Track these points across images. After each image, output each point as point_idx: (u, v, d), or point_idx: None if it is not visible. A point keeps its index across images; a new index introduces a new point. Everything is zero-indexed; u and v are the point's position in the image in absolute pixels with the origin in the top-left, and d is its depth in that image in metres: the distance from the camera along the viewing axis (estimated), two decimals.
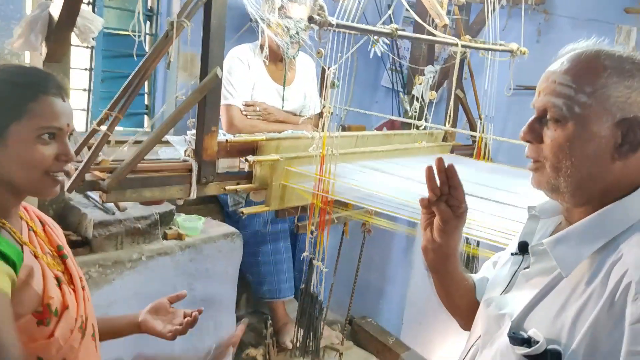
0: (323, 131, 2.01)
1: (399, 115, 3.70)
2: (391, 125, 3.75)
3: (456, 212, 1.10)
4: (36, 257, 1.12)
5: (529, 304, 1.02)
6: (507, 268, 1.18)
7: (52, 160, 1.08)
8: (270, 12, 2.27)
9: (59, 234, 1.28)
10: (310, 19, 1.66)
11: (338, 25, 1.70)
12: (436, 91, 3.19)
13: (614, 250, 0.94)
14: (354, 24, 1.76)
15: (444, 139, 3.03)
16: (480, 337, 1.13)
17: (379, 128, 3.74)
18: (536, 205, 1.15)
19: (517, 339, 0.96)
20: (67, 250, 1.24)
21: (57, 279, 1.13)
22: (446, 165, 1.07)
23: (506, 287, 1.15)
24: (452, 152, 3.04)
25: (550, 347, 0.93)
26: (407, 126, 2.99)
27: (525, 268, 1.11)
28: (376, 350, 3.17)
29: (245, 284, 2.96)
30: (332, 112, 2.04)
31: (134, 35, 1.70)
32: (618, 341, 0.86)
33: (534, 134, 1.00)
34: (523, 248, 1.13)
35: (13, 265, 1.03)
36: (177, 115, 1.84)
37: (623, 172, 0.96)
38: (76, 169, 1.66)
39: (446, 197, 1.09)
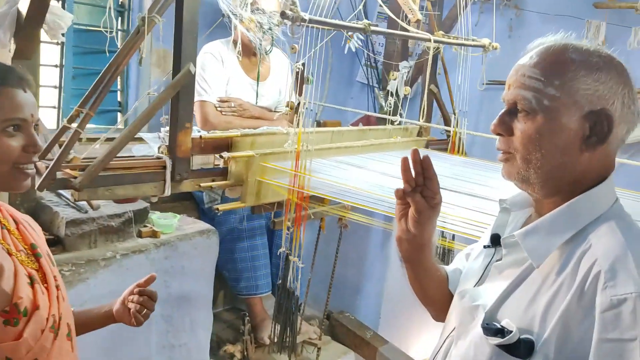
0: (298, 127, 2.01)
1: (375, 111, 3.72)
2: (367, 120, 3.76)
3: (430, 202, 1.10)
4: (10, 254, 1.10)
5: (502, 295, 1.03)
6: (480, 260, 1.19)
7: (20, 152, 1.07)
8: (242, 7, 2.26)
9: (34, 232, 1.25)
10: (283, 14, 1.66)
11: (311, 21, 1.70)
12: (411, 86, 3.21)
13: (583, 240, 0.96)
14: (327, 20, 1.76)
15: (419, 134, 3.06)
16: (454, 328, 1.15)
17: (355, 124, 3.75)
18: (507, 198, 1.16)
19: (491, 329, 0.97)
20: (41, 249, 1.22)
21: (30, 277, 1.12)
22: (421, 157, 1.08)
23: (479, 279, 1.17)
24: (427, 146, 3.06)
25: (523, 336, 0.95)
26: (383, 122, 3.01)
27: (497, 260, 1.13)
28: (354, 345, 3.18)
29: (223, 280, 2.95)
30: (306, 108, 2.04)
31: (105, 32, 1.67)
32: (589, 329, 0.88)
33: (504, 126, 1.02)
34: (495, 240, 1.14)
35: None
36: (150, 112, 1.82)
37: (590, 164, 0.98)
38: (47, 167, 1.64)
39: (421, 189, 1.10)
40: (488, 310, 1.03)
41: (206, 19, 2.62)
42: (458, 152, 2.92)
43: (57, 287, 1.20)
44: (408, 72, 3.19)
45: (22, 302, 1.06)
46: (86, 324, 1.37)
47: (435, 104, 3.18)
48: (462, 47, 2.63)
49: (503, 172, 1.06)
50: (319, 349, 2.87)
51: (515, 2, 3.41)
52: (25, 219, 1.27)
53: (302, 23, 1.66)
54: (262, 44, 2.55)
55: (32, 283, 1.11)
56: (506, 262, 1.09)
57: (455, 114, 2.98)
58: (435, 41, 2.35)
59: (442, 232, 2.43)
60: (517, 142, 1.00)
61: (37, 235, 1.27)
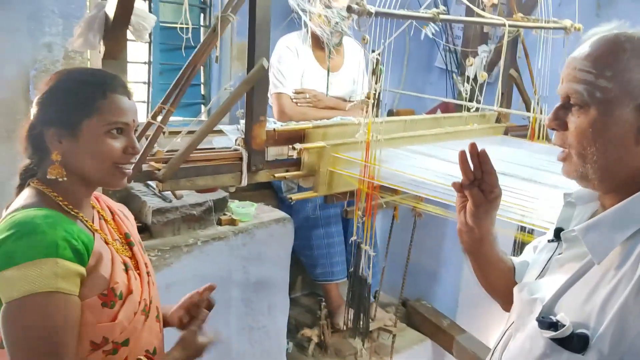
0: (368, 117, 2.04)
1: (454, 97, 3.65)
2: (445, 107, 3.71)
3: (488, 196, 1.12)
4: (107, 243, 1.21)
5: (560, 289, 1.03)
6: (544, 254, 1.19)
7: (120, 153, 1.17)
8: (311, 3, 2.30)
9: (128, 222, 1.37)
10: (349, 9, 1.69)
11: (377, 13, 1.72)
12: (490, 71, 3.13)
13: None
14: (393, 11, 1.77)
15: (497, 121, 2.98)
16: (514, 322, 1.15)
17: (433, 110, 3.70)
18: (572, 192, 1.15)
19: (545, 322, 0.97)
20: (134, 237, 1.33)
21: (125, 264, 1.22)
22: (479, 150, 1.09)
23: (540, 272, 1.16)
24: (506, 133, 2.99)
25: (578, 331, 0.94)
26: (461, 108, 2.96)
27: (559, 254, 1.12)
28: (430, 333, 3.19)
29: (301, 266, 3.04)
30: (377, 98, 2.06)
31: (181, 30, 1.78)
32: None
33: (559, 121, 1.01)
34: (558, 234, 1.13)
35: (83, 254, 1.11)
36: (226, 107, 1.92)
37: None
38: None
39: (479, 182, 1.11)
40: (545, 304, 1.03)
41: (278, 15, 2.70)
42: (539, 138, 2.82)
43: (148, 273, 1.31)
44: (487, 56, 3.12)
45: (118, 286, 1.16)
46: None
47: (515, 89, 3.09)
48: (542, 29, 2.53)
49: (563, 171, 1.05)
50: (394, 335, 2.90)
51: None
52: (120, 209, 1.39)
53: (368, 16, 1.68)
54: (331, 38, 2.59)
55: (126, 269, 1.21)
56: (567, 257, 1.09)
57: (536, 99, 2.88)
58: (510, 25, 2.28)
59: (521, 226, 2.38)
60: (571, 137, 0.99)
61: (131, 224, 1.38)
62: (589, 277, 0.99)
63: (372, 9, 1.71)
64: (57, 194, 1.17)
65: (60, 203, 1.17)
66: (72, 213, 1.17)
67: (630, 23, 1.00)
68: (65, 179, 1.16)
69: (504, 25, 2.22)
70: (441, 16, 1.86)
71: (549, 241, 1.19)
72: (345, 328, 2.32)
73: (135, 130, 1.23)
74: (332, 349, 2.89)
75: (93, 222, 1.23)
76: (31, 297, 1.04)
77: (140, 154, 1.23)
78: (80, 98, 1.16)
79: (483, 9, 2.28)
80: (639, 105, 0.92)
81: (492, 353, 1.22)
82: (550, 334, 0.96)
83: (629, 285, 0.90)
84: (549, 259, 1.15)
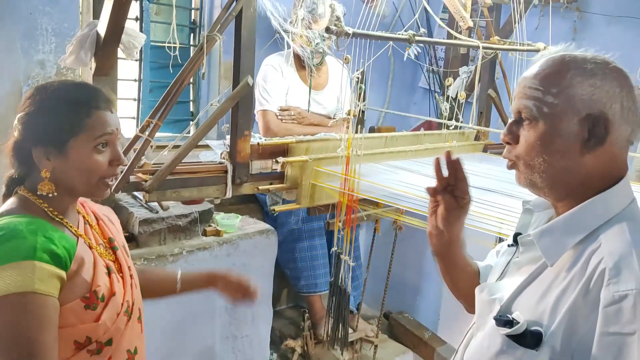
0: (349, 133, 2.13)
1: (436, 117, 3.76)
2: (428, 125, 3.82)
3: (460, 202, 1.19)
4: (90, 247, 1.26)
5: (517, 289, 1.10)
6: (504, 257, 1.26)
7: (107, 167, 1.23)
8: (293, 25, 2.41)
9: (113, 227, 1.41)
10: (327, 30, 1.79)
11: (355, 34, 1.82)
12: (471, 92, 3.25)
13: (594, 240, 1.01)
14: (370, 32, 1.87)
15: (476, 138, 3.09)
16: (475, 322, 1.23)
17: (416, 129, 3.81)
18: (531, 199, 1.23)
19: (501, 320, 1.04)
20: (118, 242, 1.37)
21: (108, 267, 1.27)
22: (453, 159, 1.17)
23: (500, 275, 1.24)
24: (485, 150, 3.09)
25: (532, 328, 1.02)
26: (442, 127, 3.06)
27: (517, 258, 1.20)
28: (413, 344, 3.25)
29: (285, 279, 3.11)
30: (356, 115, 2.15)
31: (168, 49, 1.87)
32: (594, 324, 0.93)
33: (512, 135, 1.08)
34: (517, 239, 1.21)
35: (64, 259, 1.15)
36: (212, 121, 2.00)
37: (595, 165, 1.02)
38: (121, 172, 1.85)
39: (452, 188, 1.20)
40: (503, 304, 1.10)
41: (263, 35, 2.80)
42: None
43: (131, 276, 1.35)
44: (468, 77, 3.23)
45: (100, 289, 1.20)
46: (184, 284, 1.58)
47: (494, 108, 3.20)
48: (518, 52, 2.65)
49: (515, 179, 1.12)
50: (375, 346, 2.96)
51: (577, 5, 3.36)
52: (105, 213, 1.43)
53: (346, 37, 1.78)
54: (312, 58, 2.70)
55: (109, 273, 1.26)
56: (523, 260, 1.16)
57: None
58: (484, 47, 2.40)
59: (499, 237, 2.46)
60: (520, 149, 1.06)
61: (115, 229, 1.43)
62: (543, 278, 1.07)
63: (350, 30, 1.81)
64: (42, 201, 1.21)
65: (46, 209, 1.21)
66: (57, 220, 1.22)
67: (605, 46, 1.10)
68: (55, 194, 1.20)
69: (478, 47, 2.33)
70: (416, 37, 1.96)
71: (508, 246, 1.27)
72: (325, 337, 2.37)
73: (118, 139, 1.27)
74: None
75: (78, 227, 1.27)
76: (6, 297, 1.07)
77: (125, 164, 1.29)
78: (66, 118, 1.19)
79: (460, 32, 2.40)
80: (582, 118, 1.00)
81: (456, 352, 1.29)
82: (506, 330, 1.03)
83: (577, 286, 0.97)
84: (508, 262, 1.22)
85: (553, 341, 0.99)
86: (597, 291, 0.94)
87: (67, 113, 1.19)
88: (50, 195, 1.20)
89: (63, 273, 1.15)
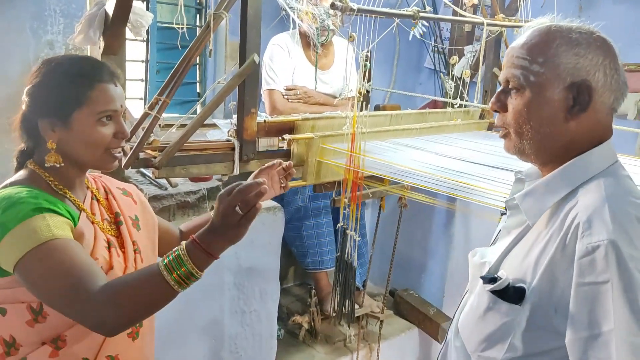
0: (354, 111, 2.15)
1: (442, 97, 3.77)
2: (433, 105, 3.83)
3: None
4: (93, 222, 1.28)
5: (504, 251, 1.16)
6: (499, 225, 1.32)
7: (111, 139, 1.26)
8: (299, 1, 2.43)
9: (126, 200, 1.43)
10: (332, 5, 1.81)
11: (360, 10, 1.84)
12: (477, 70, 3.26)
13: (573, 198, 1.06)
14: (375, 9, 1.88)
15: (481, 117, 3.11)
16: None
17: (422, 109, 3.83)
18: (523, 169, 1.28)
19: (487, 278, 1.11)
20: (124, 216, 1.38)
21: (108, 242, 1.29)
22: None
23: (493, 240, 1.30)
24: (490, 129, 3.11)
25: (516, 285, 1.07)
26: (450, 106, 3.07)
27: (505, 222, 1.25)
28: (418, 321, 3.30)
29: (292, 258, 3.16)
30: (363, 93, 2.18)
31: (179, 28, 1.89)
32: (572, 277, 0.98)
33: (500, 104, 1.13)
34: None
35: (69, 217, 1.19)
36: (219, 99, 2.03)
37: (578, 131, 1.07)
38: (131, 148, 1.89)
39: None
40: (492, 265, 1.16)
41: (269, 14, 2.81)
42: None
43: (135, 251, 1.36)
44: (473, 56, 3.24)
45: (97, 262, 1.22)
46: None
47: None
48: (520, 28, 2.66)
49: (504, 147, 1.17)
50: (381, 322, 3.01)
51: None
52: (122, 186, 1.46)
53: (350, 12, 1.80)
54: (318, 35, 2.71)
55: (109, 247, 1.28)
56: (511, 223, 1.22)
57: None
58: (488, 24, 2.41)
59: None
60: (509, 117, 1.11)
61: (132, 200, 1.44)
62: (527, 239, 1.12)
63: (355, 5, 1.83)
64: (49, 174, 1.25)
65: (50, 183, 1.25)
66: (60, 193, 1.25)
67: (611, 24, 1.12)
68: (62, 164, 1.24)
69: (482, 23, 2.34)
70: (421, 14, 1.98)
71: (502, 214, 1.33)
72: (332, 312, 2.42)
73: (124, 114, 1.29)
74: (322, 335, 3.00)
75: (84, 202, 1.30)
76: (33, 252, 1.11)
77: (128, 137, 1.31)
78: (70, 90, 1.21)
79: (465, 10, 2.41)
80: (567, 86, 1.05)
81: (453, 317, 1.35)
82: (490, 286, 1.09)
83: (556, 241, 1.02)
84: (501, 228, 1.28)
85: (535, 296, 1.04)
86: (573, 245, 0.99)
87: (70, 85, 1.22)
88: (58, 165, 1.23)
89: (72, 224, 1.19)
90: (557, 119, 1.07)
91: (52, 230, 1.13)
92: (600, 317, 0.93)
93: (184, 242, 1.12)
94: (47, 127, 1.23)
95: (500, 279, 1.07)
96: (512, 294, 1.06)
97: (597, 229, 0.96)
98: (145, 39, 2.94)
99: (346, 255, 2.25)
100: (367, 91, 3.44)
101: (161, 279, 1.10)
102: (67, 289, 1.11)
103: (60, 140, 1.23)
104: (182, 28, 1.90)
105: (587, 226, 0.97)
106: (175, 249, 1.13)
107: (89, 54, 2.46)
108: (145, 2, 2.97)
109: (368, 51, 2.16)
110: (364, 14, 1.89)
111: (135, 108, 3.08)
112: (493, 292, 1.08)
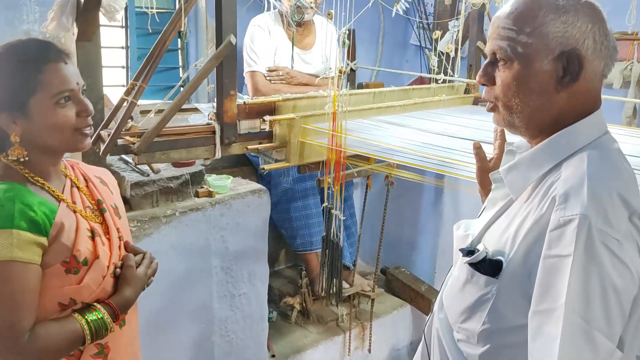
0: (334, 89, 2.13)
1: (428, 73, 3.75)
2: (420, 82, 3.80)
3: None
4: (74, 212, 1.26)
5: (486, 224, 1.15)
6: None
7: (75, 119, 1.22)
8: None
9: (105, 188, 1.41)
10: None
11: None
12: (462, 45, 3.23)
13: (556, 171, 1.03)
14: None
15: (466, 91, 3.09)
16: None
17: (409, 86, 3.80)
18: (515, 141, 1.25)
19: (465, 250, 1.10)
20: (107, 204, 1.37)
21: (92, 231, 1.27)
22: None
23: (480, 213, 1.29)
24: (475, 103, 3.09)
25: (494, 258, 1.06)
26: (435, 82, 3.05)
27: (491, 195, 1.24)
28: (410, 298, 3.32)
29: (283, 240, 3.16)
30: (343, 72, 2.16)
31: (150, 12, 1.87)
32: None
33: (487, 77, 1.10)
34: None
35: (43, 225, 1.17)
36: (196, 82, 2.01)
37: (568, 102, 1.04)
38: (109, 135, 1.87)
39: None
40: (475, 238, 1.15)
41: None
42: None
43: (120, 238, 1.36)
44: (457, 31, 3.22)
45: (80, 254, 1.22)
46: None
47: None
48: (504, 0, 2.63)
49: (493, 120, 1.14)
50: (372, 300, 3.02)
51: None
52: (99, 174, 1.44)
53: None
54: (294, 13, 2.68)
55: (92, 236, 1.27)
56: (496, 196, 1.20)
57: None
58: None
59: None
60: (498, 90, 1.07)
61: (108, 190, 1.42)
62: (510, 211, 1.11)
63: None
64: (23, 166, 1.22)
65: (27, 175, 1.22)
66: (38, 184, 1.22)
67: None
68: (26, 158, 1.20)
69: None
70: None
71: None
72: (321, 291, 2.42)
73: (83, 90, 1.24)
74: (314, 316, 3.01)
75: (63, 191, 1.27)
76: None
77: (92, 113, 1.25)
78: (19, 78, 1.16)
79: None
80: (557, 56, 1.01)
81: (440, 290, 1.35)
82: (467, 259, 1.08)
83: (534, 214, 1.00)
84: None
85: (512, 269, 1.03)
86: (548, 217, 0.97)
87: (18, 73, 1.17)
88: (22, 159, 1.20)
89: (44, 239, 1.16)
90: (547, 90, 1.03)
91: (13, 250, 1.12)
92: (558, 292, 0.91)
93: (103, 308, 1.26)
94: (8, 121, 1.19)
95: (478, 251, 1.06)
96: (487, 267, 1.05)
97: (572, 203, 0.94)
98: (123, 25, 2.90)
99: (332, 235, 2.24)
100: (353, 70, 3.43)
101: (82, 341, 1.22)
102: (2, 324, 1.12)
103: (24, 131, 1.20)
104: (152, 10, 1.86)
105: (563, 199, 0.95)
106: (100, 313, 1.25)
107: (63, 41, 2.43)
108: None
109: (347, 29, 2.14)
110: None
111: (118, 95, 3.04)
112: (470, 264, 1.08)
